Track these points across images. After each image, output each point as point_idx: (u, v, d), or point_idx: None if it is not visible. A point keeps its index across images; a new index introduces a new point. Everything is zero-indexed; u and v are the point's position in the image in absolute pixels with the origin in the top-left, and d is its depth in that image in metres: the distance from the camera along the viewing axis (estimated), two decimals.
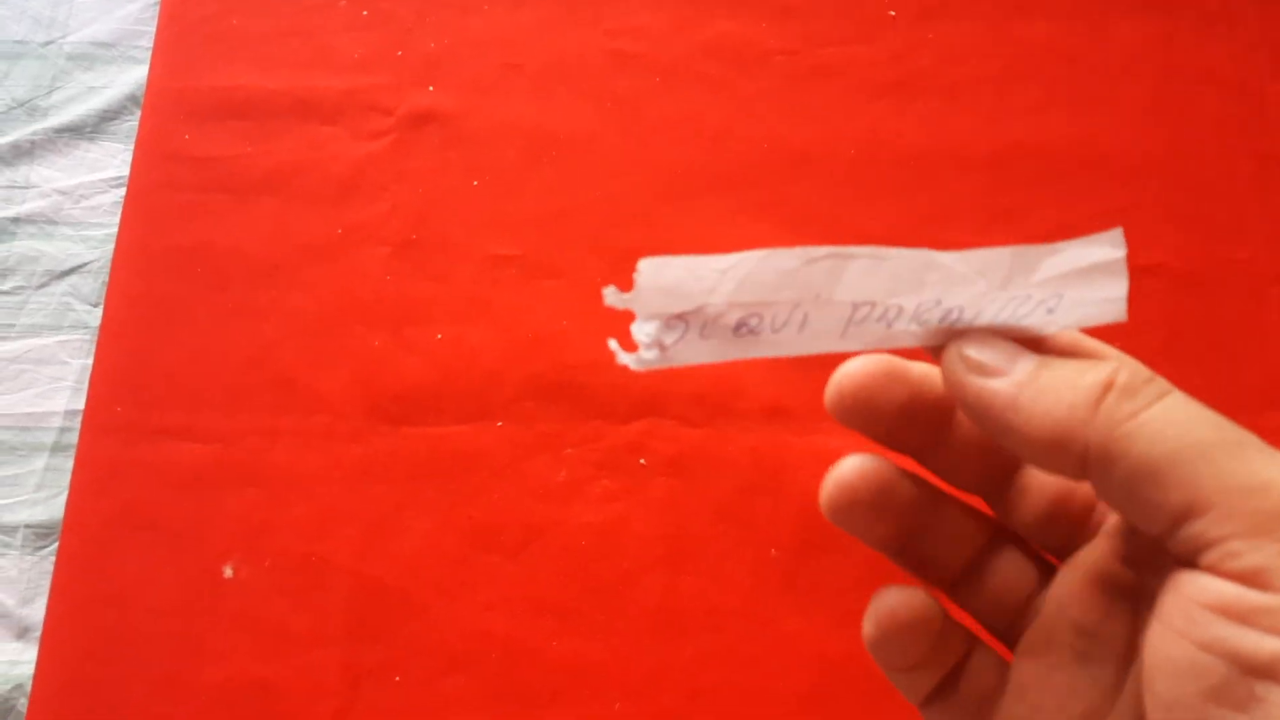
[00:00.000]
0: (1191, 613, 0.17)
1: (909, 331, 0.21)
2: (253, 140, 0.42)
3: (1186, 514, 0.17)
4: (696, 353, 0.21)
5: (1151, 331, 0.39)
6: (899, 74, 0.42)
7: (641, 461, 0.37)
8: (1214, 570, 0.17)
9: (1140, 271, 0.39)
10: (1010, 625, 0.22)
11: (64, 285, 0.46)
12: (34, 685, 0.35)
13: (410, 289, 0.40)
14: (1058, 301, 0.21)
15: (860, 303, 0.22)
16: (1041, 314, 0.21)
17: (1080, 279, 0.21)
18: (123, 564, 0.36)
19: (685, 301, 0.21)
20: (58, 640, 0.35)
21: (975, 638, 0.22)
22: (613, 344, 0.21)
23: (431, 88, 0.43)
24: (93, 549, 0.36)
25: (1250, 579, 0.17)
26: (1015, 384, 0.19)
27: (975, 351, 0.20)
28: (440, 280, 0.40)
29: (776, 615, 0.35)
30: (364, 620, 0.35)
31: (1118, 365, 0.19)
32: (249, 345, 0.39)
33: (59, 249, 0.47)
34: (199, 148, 0.42)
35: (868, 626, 0.21)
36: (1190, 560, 0.17)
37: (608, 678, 0.35)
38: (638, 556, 0.36)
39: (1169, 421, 0.18)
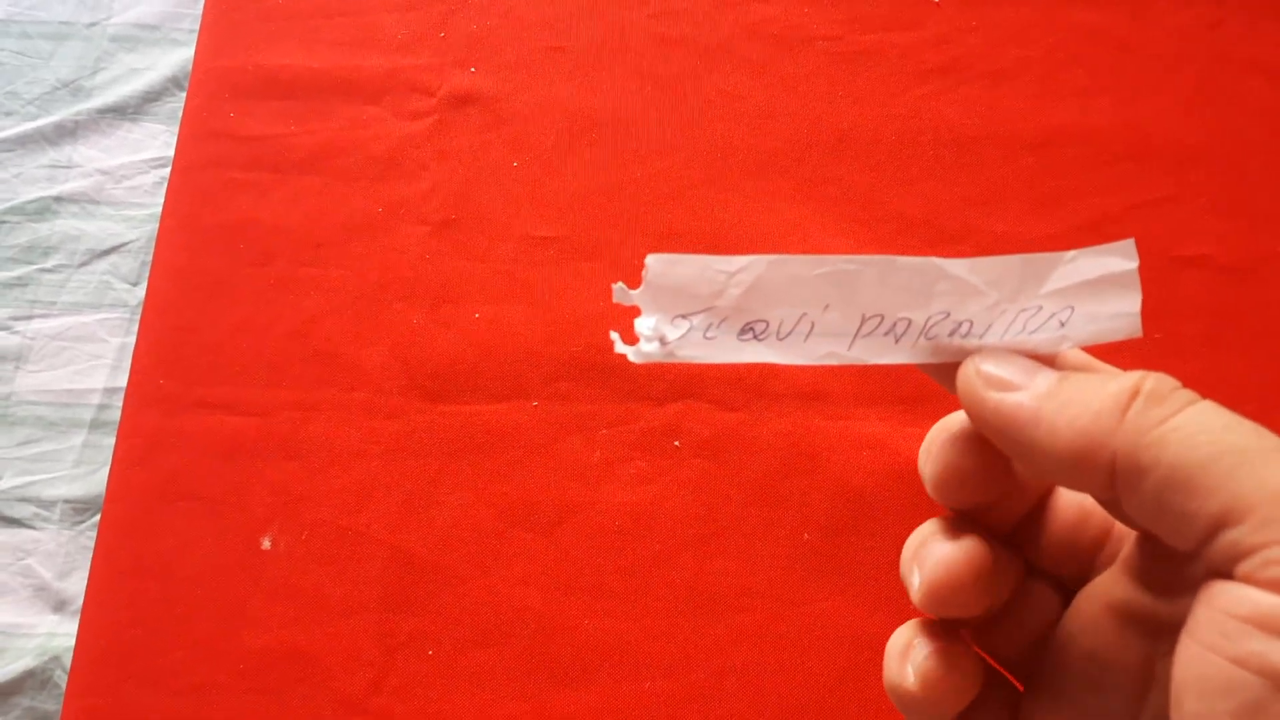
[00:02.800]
0: (1226, 626, 0.16)
1: (918, 346, 0.21)
2: (296, 119, 0.42)
3: (1223, 521, 0.16)
4: (699, 351, 0.22)
5: (1194, 323, 0.38)
6: (943, 58, 0.42)
7: (676, 443, 0.37)
8: (1251, 580, 0.16)
9: (1183, 263, 0.39)
10: (1026, 659, 0.22)
11: (104, 264, 0.47)
12: (75, 652, 0.36)
13: (449, 267, 0.40)
14: (1069, 315, 0.21)
15: (869, 315, 0.21)
16: (1054, 328, 0.21)
17: (1092, 291, 0.21)
18: (164, 534, 0.37)
19: (693, 302, 0.22)
20: (99, 608, 0.36)
21: (991, 671, 0.22)
22: (614, 335, 0.22)
23: (473, 69, 0.43)
24: (134, 519, 0.37)
25: None
26: (1036, 397, 0.19)
27: (993, 367, 0.20)
28: (479, 259, 0.40)
29: (809, 596, 0.35)
30: (399, 592, 0.36)
31: (1143, 374, 0.18)
32: (290, 320, 0.39)
33: (100, 228, 0.48)
34: (243, 126, 0.42)
35: (909, 681, 0.21)
36: (1225, 571, 0.16)
37: (639, 655, 0.35)
38: (671, 536, 0.36)
39: (1202, 427, 0.17)
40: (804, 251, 0.40)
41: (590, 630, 0.35)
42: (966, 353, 0.21)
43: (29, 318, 0.47)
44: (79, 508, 0.42)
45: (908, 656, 0.21)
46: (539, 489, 0.37)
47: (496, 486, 0.37)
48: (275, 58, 0.43)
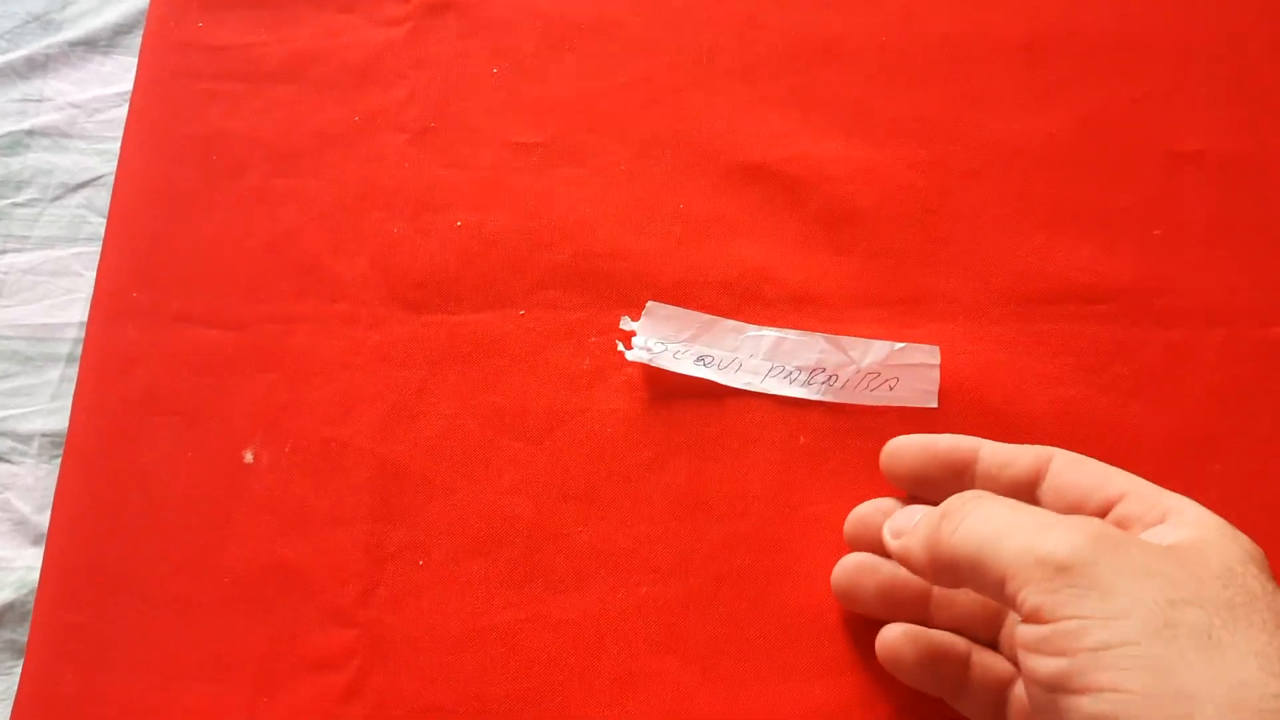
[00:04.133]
0: (1018, 656, 0.23)
1: (804, 387, 0.35)
2: (267, 27, 0.41)
3: (1002, 583, 0.24)
4: (670, 364, 0.36)
5: (1197, 215, 0.38)
6: None
7: None
8: (1023, 619, 0.23)
9: (1183, 157, 0.38)
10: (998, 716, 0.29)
11: (78, 198, 0.46)
12: (44, 568, 0.35)
13: (429, 176, 0.39)
14: (896, 383, 0.35)
15: (774, 363, 0.35)
16: (885, 390, 0.35)
17: (912, 370, 0.35)
18: (141, 449, 0.36)
19: (673, 336, 0.36)
20: (71, 524, 0.35)
21: None
22: (620, 345, 0.36)
23: None
24: (108, 433, 0.36)
25: (1034, 617, 0.22)
26: (902, 544, 0.28)
27: (892, 521, 0.30)
28: (460, 167, 0.39)
29: (805, 500, 0.35)
30: (387, 503, 0.35)
31: (949, 500, 0.27)
32: (267, 232, 0.38)
33: (73, 162, 0.47)
34: (212, 35, 0.41)
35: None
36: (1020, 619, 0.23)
37: (634, 561, 0.34)
38: (663, 443, 0.36)
39: (979, 521, 0.25)
40: (796, 155, 0.39)
41: (583, 537, 0.35)
42: (834, 393, 0.35)
43: (2, 252, 0.45)
44: (55, 441, 0.41)
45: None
46: (528, 398, 0.36)
47: (484, 396, 0.36)
48: None
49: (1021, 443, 0.30)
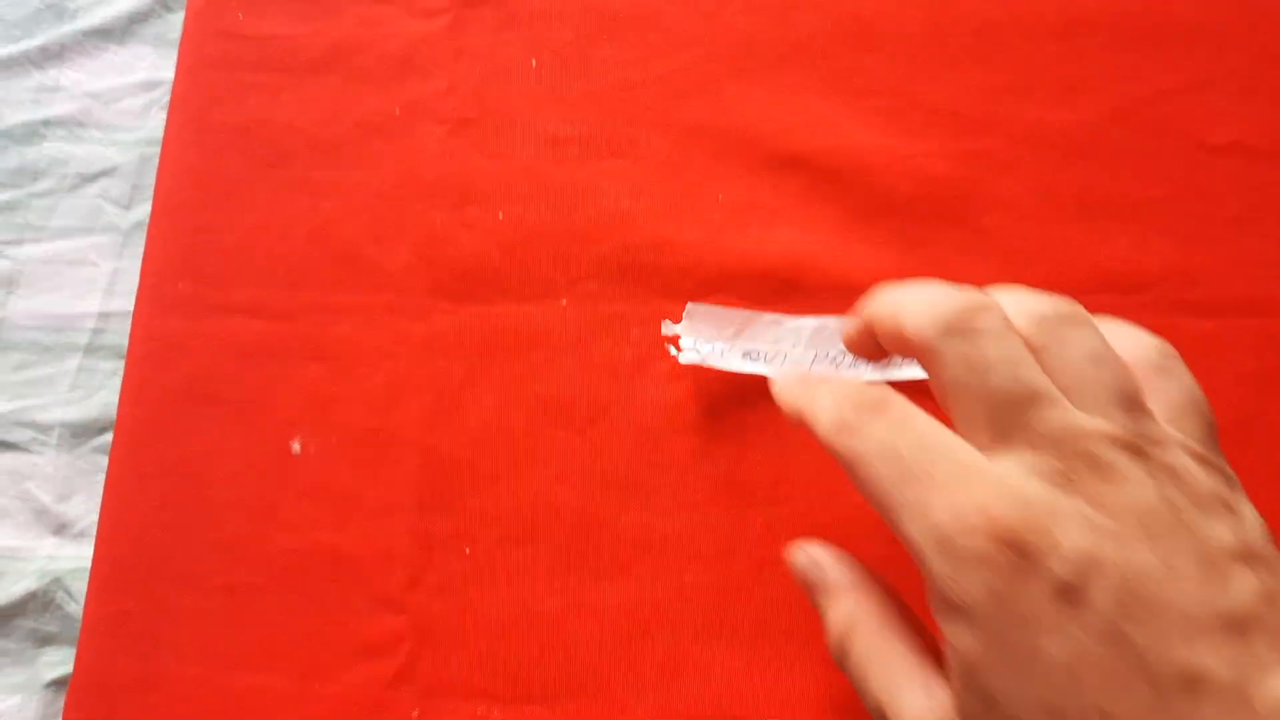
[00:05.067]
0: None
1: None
2: (307, 18, 0.41)
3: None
4: (720, 362, 0.35)
5: (1225, 209, 0.38)
6: None
7: None
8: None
9: (1214, 149, 0.39)
10: None
11: (95, 188, 0.46)
12: (96, 556, 0.35)
13: (470, 167, 0.39)
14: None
15: (819, 352, 0.35)
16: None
17: None
18: (188, 438, 0.36)
19: (715, 335, 0.36)
20: (121, 512, 0.35)
21: None
22: (672, 349, 0.36)
23: None
24: (156, 423, 0.36)
25: None
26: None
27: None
28: (501, 159, 0.39)
29: (844, 487, 0.35)
30: (433, 491, 0.35)
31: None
32: (309, 222, 0.38)
33: (89, 152, 0.47)
34: (252, 26, 0.41)
35: None
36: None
37: (678, 548, 0.35)
38: (705, 431, 0.36)
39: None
40: (835, 145, 0.39)
41: (627, 525, 0.35)
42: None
43: (19, 242, 0.46)
44: (76, 431, 0.41)
45: None
46: (571, 388, 0.37)
47: (527, 387, 0.37)
48: None
49: None
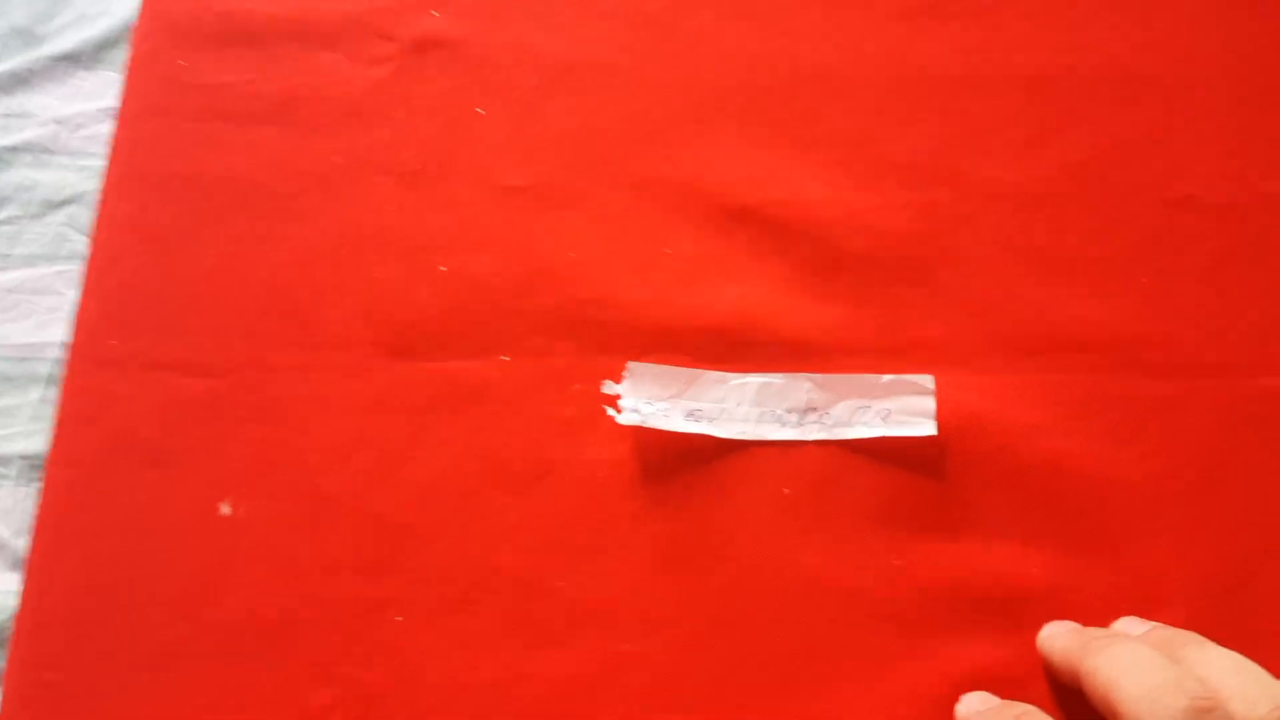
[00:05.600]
0: None
1: (795, 429, 0.35)
2: (251, 67, 0.40)
3: None
4: (663, 423, 0.35)
5: (1190, 263, 0.37)
6: None
7: None
8: None
9: (1176, 203, 0.38)
10: None
11: (61, 215, 0.45)
12: (17, 623, 0.34)
13: (417, 220, 0.38)
14: (889, 414, 0.35)
15: (765, 410, 0.35)
16: (879, 422, 0.35)
17: (908, 399, 0.35)
18: (116, 499, 0.35)
19: (659, 394, 0.35)
20: (44, 577, 0.34)
21: None
22: (610, 410, 0.35)
23: (435, 12, 0.41)
24: (83, 484, 0.35)
25: None
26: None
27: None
28: (448, 211, 0.38)
29: (790, 550, 0.34)
30: (370, 556, 0.34)
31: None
32: (250, 277, 0.37)
33: (55, 178, 0.46)
34: (196, 74, 0.40)
35: None
36: None
37: (623, 613, 0.34)
38: (648, 494, 0.35)
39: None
40: (787, 197, 0.38)
41: (570, 590, 0.34)
42: (828, 431, 0.35)
43: None
44: (35, 464, 0.40)
45: None
46: (513, 447, 0.36)
47: (470, 444, 0.36)
48: (225, 2, 0.41)
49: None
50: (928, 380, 0.35)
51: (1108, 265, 0.37)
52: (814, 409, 0.35)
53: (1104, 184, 0.38)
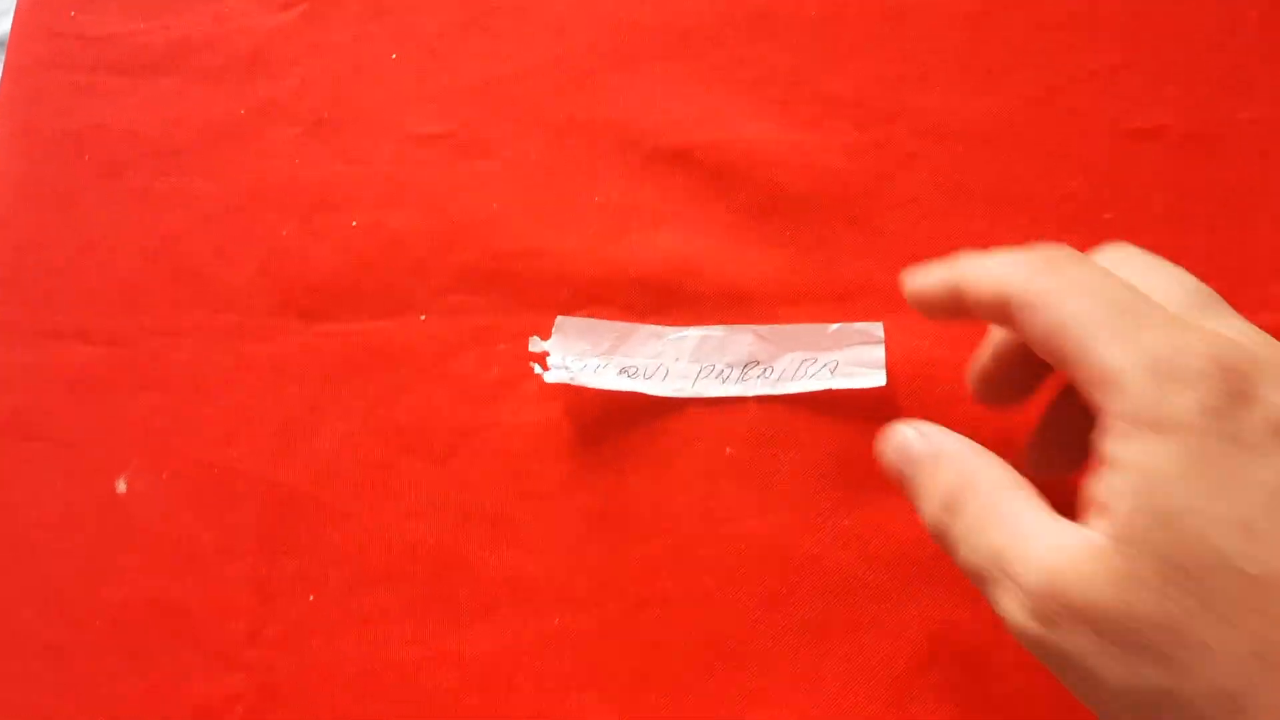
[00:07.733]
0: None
1: (738, 384, 0.32)
2: (146, 15, 0.38)
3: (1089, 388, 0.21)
4: (594, 380, 0.32)
5: (1154, 197, 0.35)
6: None
7: None
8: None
9: (1137, 135, 0.36)
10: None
11: None
12: None
13: (323, 172, 0.36)
14: (837, 366, 0.32)
15: (704, 365, 0.33)
16: (826, 375, 0.32)
17: (855, 349, 0.32)
18: (6, 478, 0.33)
19: (589, 351, 0.33)
20: None
21: None
22: (536, 367, 0.32)
23: None
24: None
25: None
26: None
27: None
28: (357, 162, 0.36)
29: (730, 516, 0.32)
30: (277, 532, 0.32)
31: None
32: (146, 237, 0.35)
33: None
34: (86, 24, 0.38)
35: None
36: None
37: (548, 589, 0.31)
38: (578, 459, 0.33)
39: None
40: (723, 139, 0.36)
41: (492, 564, 0.32)
42: (771, 385, 0.32)
43: None
44: None
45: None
46: (431, 413, 0.33)
47: (382, 411, 0.33)
48: None
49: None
50: (876, 328, 0.32)
51: (1064, 202, 0.35)
52: (756, 362, 0.33)
53: (1060, 116, 0.36)
